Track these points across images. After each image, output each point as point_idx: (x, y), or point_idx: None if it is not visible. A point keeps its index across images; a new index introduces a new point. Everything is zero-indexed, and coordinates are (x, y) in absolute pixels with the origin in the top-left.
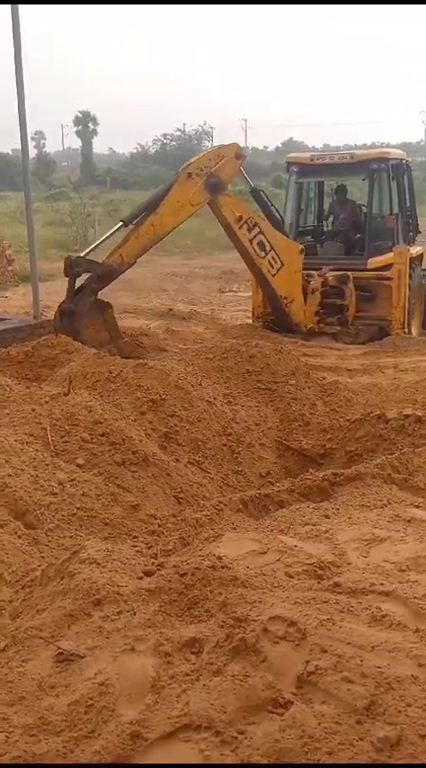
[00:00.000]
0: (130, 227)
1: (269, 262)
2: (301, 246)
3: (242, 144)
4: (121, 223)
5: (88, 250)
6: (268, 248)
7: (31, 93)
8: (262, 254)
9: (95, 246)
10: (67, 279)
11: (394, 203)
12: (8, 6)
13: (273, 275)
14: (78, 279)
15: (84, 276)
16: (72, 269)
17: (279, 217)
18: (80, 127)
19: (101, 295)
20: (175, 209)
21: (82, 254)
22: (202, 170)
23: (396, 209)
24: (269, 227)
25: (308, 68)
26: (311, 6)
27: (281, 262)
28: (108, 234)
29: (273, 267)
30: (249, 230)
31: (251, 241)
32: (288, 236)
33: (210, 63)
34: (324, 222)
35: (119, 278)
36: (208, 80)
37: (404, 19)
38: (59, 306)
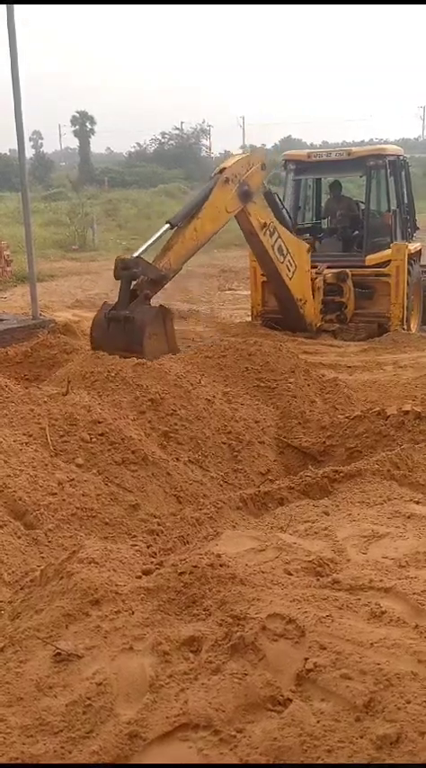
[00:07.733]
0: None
1: (286, 266)
2: (308, 245)
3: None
4: (168, 225)
5: (141, 250)
6: (285, 252)
7: (28, 93)
8: (281, 258)
9: (147, 248)
10: (120, 281)
11: (391, 200)
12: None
13: (290, 279)
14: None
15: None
16: (127, 270)
17: (288, 218)
18: (77, 127)
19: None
20: (214, 216)
21: (135, 254)
22: (236, 176)
23: (394, 205)
24: (284, 230)
25: (306, 65)
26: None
27: (295, 264)
28: (156, 236)
29: (290, 270)
30: (271, 235)
31: (272, 246)
32: (295, 235)
33: (207, 61)
34: (322, 220)
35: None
36: (206, 78)
37: (403, 16)
38: (106, 314)
